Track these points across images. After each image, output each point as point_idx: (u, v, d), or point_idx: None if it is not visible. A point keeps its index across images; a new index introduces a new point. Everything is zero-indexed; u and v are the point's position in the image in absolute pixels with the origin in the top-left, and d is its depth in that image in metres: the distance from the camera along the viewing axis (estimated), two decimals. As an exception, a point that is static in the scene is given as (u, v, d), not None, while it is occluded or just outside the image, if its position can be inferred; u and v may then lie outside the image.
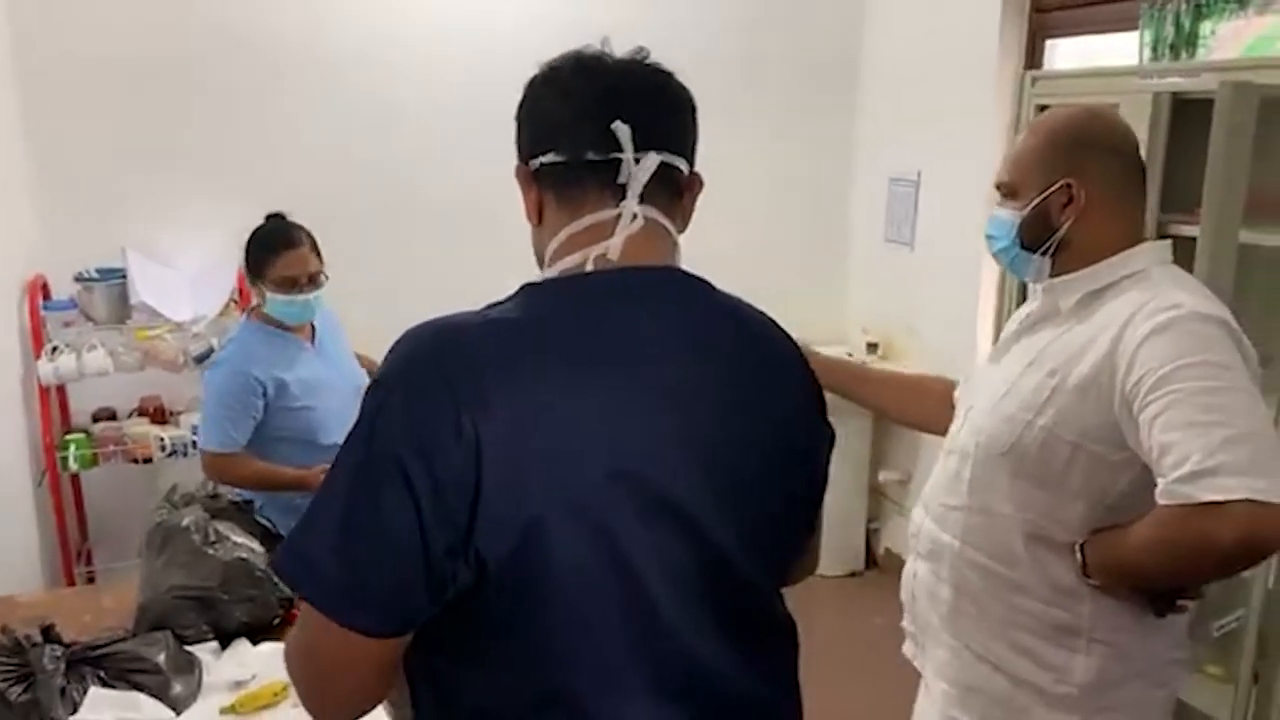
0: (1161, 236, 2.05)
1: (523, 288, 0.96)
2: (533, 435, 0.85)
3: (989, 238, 1.51)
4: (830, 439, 1.09)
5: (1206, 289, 1.37)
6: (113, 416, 3.05)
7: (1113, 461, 1.30)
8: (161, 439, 2.92)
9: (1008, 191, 1.47)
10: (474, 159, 3.16)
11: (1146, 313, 1.27)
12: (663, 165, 0.96)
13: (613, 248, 0.95)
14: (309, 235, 2.25)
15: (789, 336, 1.08)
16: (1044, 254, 1.43)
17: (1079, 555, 1.33)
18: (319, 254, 2.25)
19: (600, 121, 0.94)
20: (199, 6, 3.05)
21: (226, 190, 3.14)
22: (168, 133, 3.08)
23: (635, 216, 0.95)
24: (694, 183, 1.03)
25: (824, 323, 3.94)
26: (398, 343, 0.90)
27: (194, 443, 2.89)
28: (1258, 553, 1.13)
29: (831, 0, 3.76)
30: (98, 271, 2.94)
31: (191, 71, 3.07)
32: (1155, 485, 1.19)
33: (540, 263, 1.01)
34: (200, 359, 2.87)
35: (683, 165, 0.99)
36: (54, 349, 2.75)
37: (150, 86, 3.04)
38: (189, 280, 3.04)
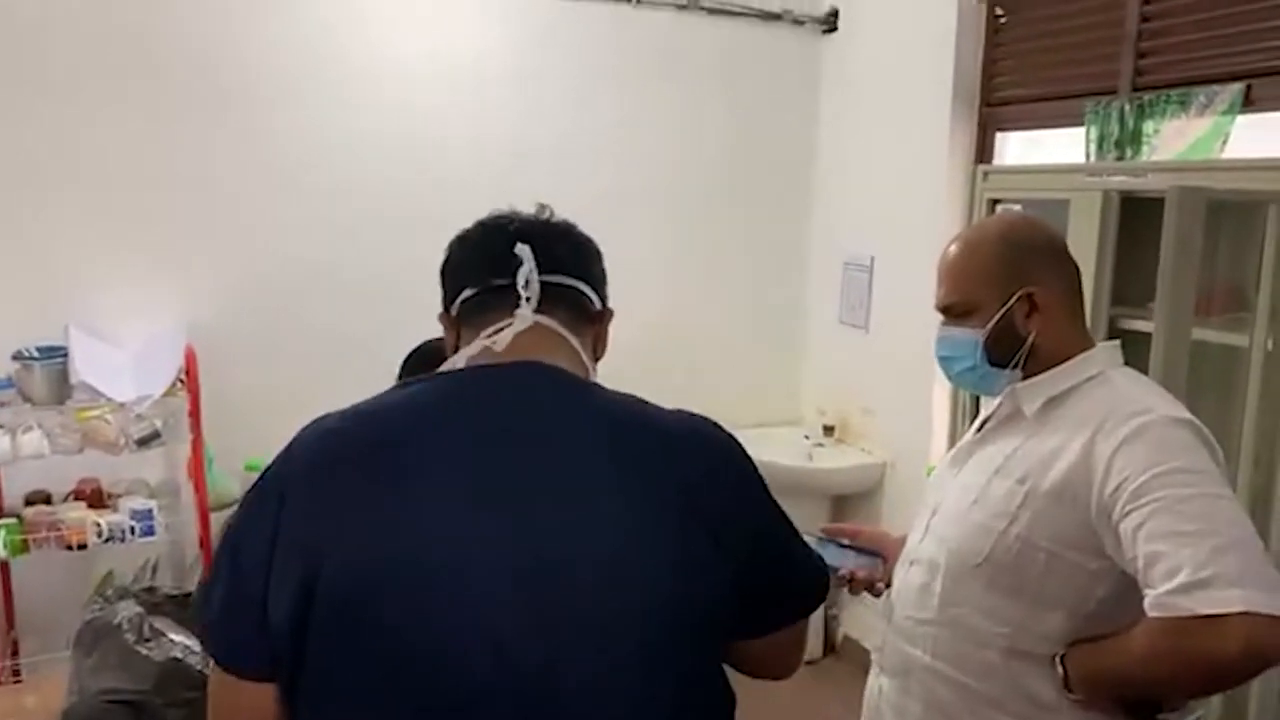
0: (1114, 331, 2.09)
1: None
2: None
3: (945, 359, 1.48)
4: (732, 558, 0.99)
5: (1163, 390, 1.39)
6: (47, 500, 2.93)
7: (1090, 570, 1.28)
8: (98, 524, 2.80)
9: (960, 312, 1.44)
10: (423, 233, 3.17)
11: (1118, 418, 1.27)
12: (568, 288, 1.06)
13: (499, 340, 1.02)
14: None
15: (719, 441, 1.07)
16: (1014, 367, 1.42)
17: (1060, 668, 1.30)
18: None
19: (505, 251, 1.05)
20: (130, 85, 3.02)
21: (174, 266, 3.08)
22: (113, 208, 3.02)
23: (527, 321, 1.04)
24: (604, 314, 1.12)
25: (781, 404, 3.95)
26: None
27: (133, 528, 2.79)
28: (1258, 666, 1.12)
29: (789, 93, 3.83)
30: (38, 350, 2.84)
31: (135, 147, 3.02)
32: (1135, 593, 1.18)
33: None
34: (143, 441, 2.78)
35: (588, 292, 1.09)
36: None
37: (94, 161, 2.99)
38: (134, 359, 2.95)
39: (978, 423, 1.55)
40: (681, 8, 3.56)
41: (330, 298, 3.25)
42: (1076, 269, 1.46)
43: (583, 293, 1.08)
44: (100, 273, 3.03)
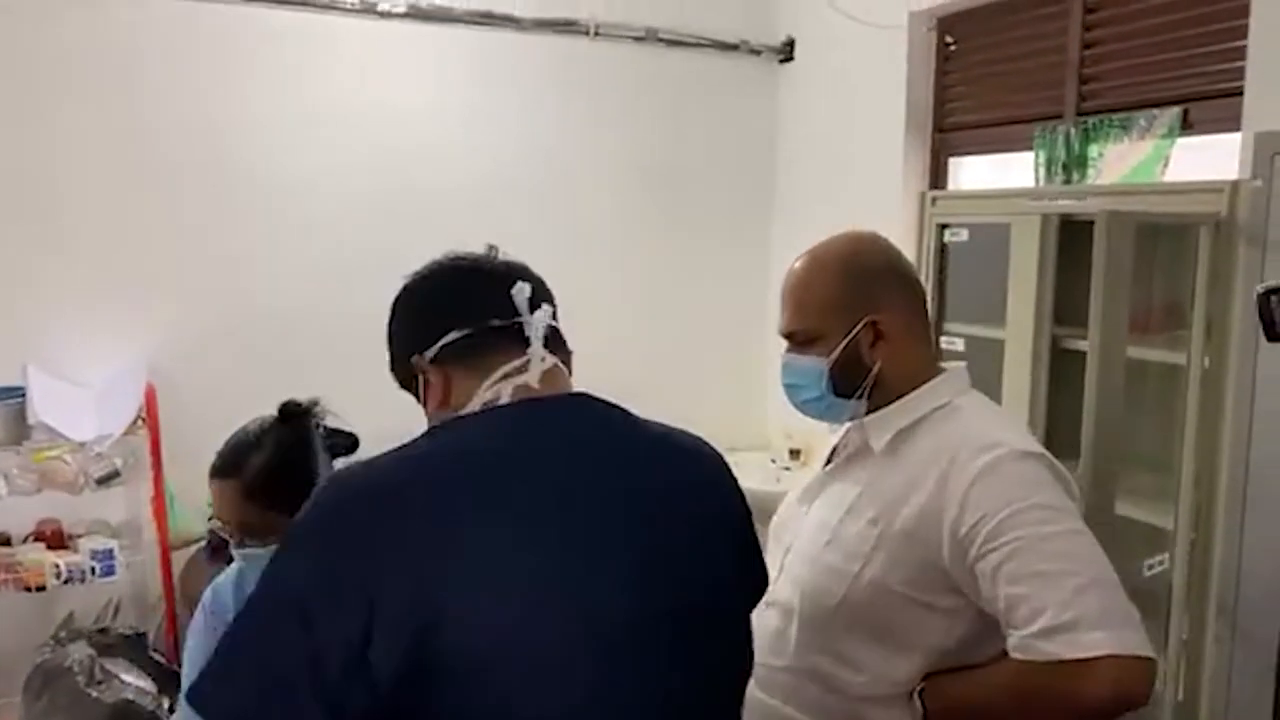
0: (1056, 350, 2.12)
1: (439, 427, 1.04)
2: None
3: (791, 388, 1.43)
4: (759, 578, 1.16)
5: (1012, 418, 1.41)
6: (7, 541, 2.91)
7: (947, 610, 1.25)
8: (57, 565, 2.78)
9: (804, 339, 1.39)
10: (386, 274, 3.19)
11: (968, 453, 1.24)
12: (554, 327, 1.07)
13: (531, 376, 1.03)
14: (270, 470, 1.56)
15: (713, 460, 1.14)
16: (859, 397, 1.37)
17: (919, 703, 1.27)
18: (275, 503, 1.50)
19: (499, 291, 1.04)
20: (87, 119, 3.03)
21: (135, 304, 3.09)
22: (73, 245, 3.02)
23: (544, 358, 1.04)
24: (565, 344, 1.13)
25: (746, 428, 3.96)
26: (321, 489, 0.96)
27: (94, 568, 2.77)
28: (1125, 706, 1.11)
29: (747, 121, 3.89)
30: (-2, 390, 2.84)
31: (97, 184, 3.04)
32: (994, 633, 1.18)
33: None
34: (103, 480, 2.77)
35: (560, 330, 1.10)
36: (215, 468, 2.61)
37: (53, 198, 2.99)
38: (94, 398, 2.95)
39: (824, 455, 1.51)
40: (639, 39, 3.61)
41: (292, 337, 3.25)
42: (921, 290, 1.43)
43: (558, 330, 1.09)
44: (60, 311, 3.02)
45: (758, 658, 1.35)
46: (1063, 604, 1.11)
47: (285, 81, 3.20)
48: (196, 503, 3.04)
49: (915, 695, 1.27)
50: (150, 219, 3.09)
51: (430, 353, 1.04)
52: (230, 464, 1.57)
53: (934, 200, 2.60)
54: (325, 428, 1.66)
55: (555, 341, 1.08)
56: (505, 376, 1.02)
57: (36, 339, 2.99)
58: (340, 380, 3.18)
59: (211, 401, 3.14)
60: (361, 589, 0.85)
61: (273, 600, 0.90)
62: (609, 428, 1.05)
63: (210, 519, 1.53)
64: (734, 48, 3.78)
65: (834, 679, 1.32)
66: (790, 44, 3.82)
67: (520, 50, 3.48)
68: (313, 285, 3.29)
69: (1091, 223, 1.98)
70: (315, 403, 1.65)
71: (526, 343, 1.03)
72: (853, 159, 3.52)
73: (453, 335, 1.03)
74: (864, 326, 1.34)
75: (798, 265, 1.44)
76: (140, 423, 2.90)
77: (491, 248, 1.12)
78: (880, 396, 1.37)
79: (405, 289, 1.12)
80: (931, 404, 1.34)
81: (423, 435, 1.01)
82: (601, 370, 1.31)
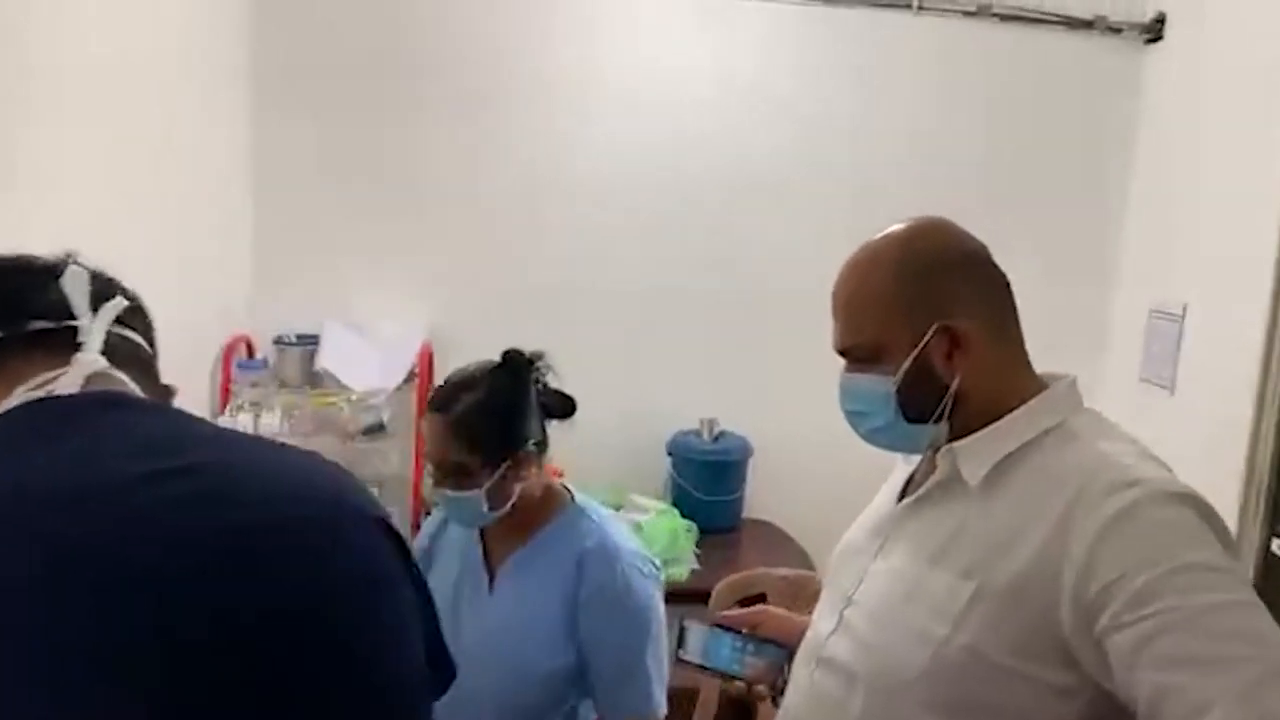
0: None
1: None
2: None
3: (853, 415, 1.16)
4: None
5: (1142, 444, 1.05)
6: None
7: (1056, 688, 0.97)
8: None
9: (863, 355, 1.13)
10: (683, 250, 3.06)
11: (1096, 492, 0.96)
12: (131, 342, 0.85)
13: (64, 385, 0.76)
14: (480, 410, 1.52)
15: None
16: (937, 421, 1.10)
17: None
18: (479, 445, 1.51)
19: (43, 289, 0.81)
20: (423, 90, 3.14)
21: (423, 266, 3.21)
22: (380, 211, 3.17)
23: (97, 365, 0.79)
24: (170, 390, 0.89)
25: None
26: None
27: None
28: None
29: (1098, 113, 3.32)
30: (296, 336, 3.04)
31: (420, 164, 3.16)
32: (1119, 717, 0.93)
33: None
34: (368, 431, 2.87)
35: (150, 354, 0.87)
36: (238, 406, 2.84)
37: (371, 175, 3.15)
38: (375, 353, 3.07)
39: (898, 481, 1.22)
40: (969, 14, 3.19)
41: (566, 314, 3.23)
42: (1007, 284, 1.15)
43: (140, 346, 0.87)
44: (360, 269, 3.20)
45: None
46: (1238, 697, 0.82)
47: (592, 54, 3.16)
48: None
49: None
50: (445, 187, 3.18)
51: None
52: (444, 399, 1.54)
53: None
54: (544, 385, 1.61)
55: (138, 367, 0.84)
56: (41, 386, 0.76)
57: (339, 293, 3.18)
58: (606, 360, 3.16)
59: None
60: None
61: None
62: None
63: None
64: (1087, 25, 3.23)
65: None
66: (1160, 20, 3.21)
67: (838, 25, 3.19)
68: (592, 265, 3.24)
69: None
70: (540, 355, 1.61)
71: (76, 349, 0.80)
72: (1231, 159, 2.88)
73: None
74: (936, 334, 1.08)
75: (847, 263, 1.17)
76: (413, 377, 2.98)
77: (70, 254, 0.87)
78: (964, 420, 1.10)
79: None
80: (1039, 426, 1.07)
81: None
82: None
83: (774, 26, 3.19)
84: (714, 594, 1.39)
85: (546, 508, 1.63)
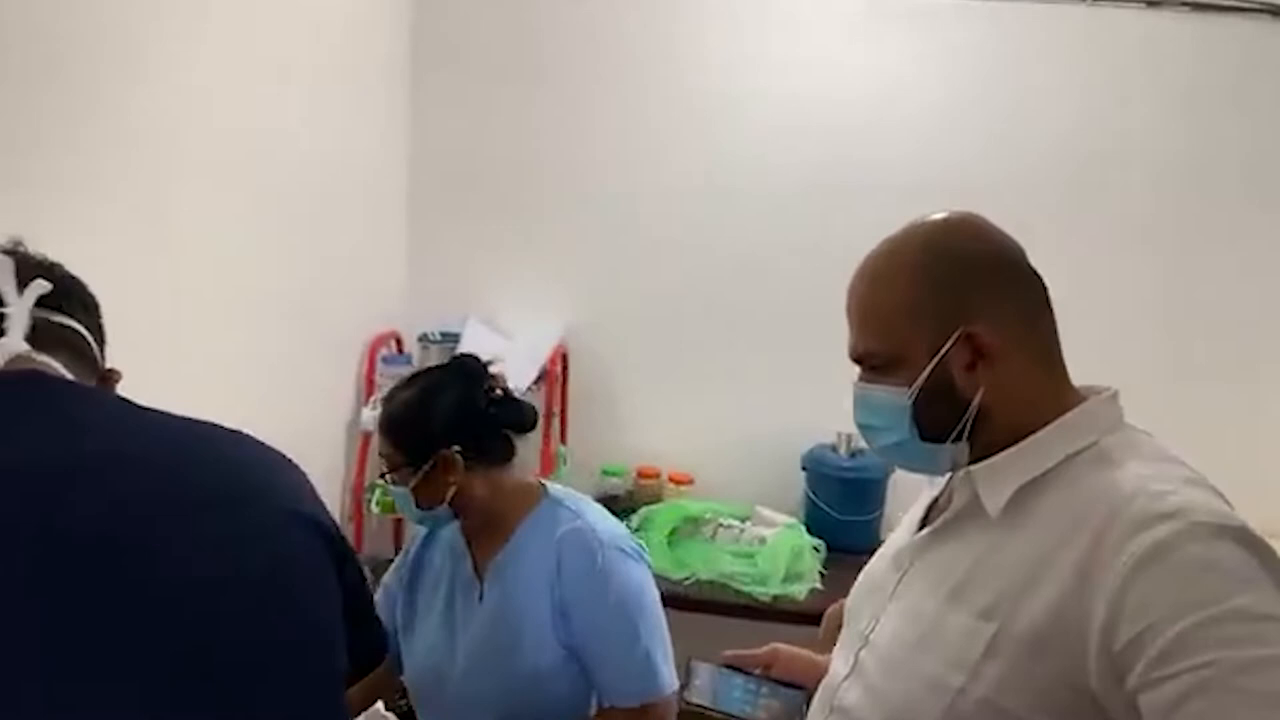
0: None
1: None
2: None
3: (866, 429, 1.07)
4: None
5: (1189, 467, 0.92)
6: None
7: None
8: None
9: (878, 364, 1.03)
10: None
11: (1129, 524, 0.84)
12: (63, 326, 0.88)
13: None
14: (406, 410, 1.56)
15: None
16: (956, 439, 1.00)
17: None
18: (401, 444, 1.56)
19: None
20: (596, 122, 3.18)
21: (562, 269, 3.25)
22: (528, 222, 3.24)
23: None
24: (112, 375, 0.93)
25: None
26: None
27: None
28: None
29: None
30: (441, 334, 3.15)
31: (572, 166, 3.20)
32: None
33: None
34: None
35: (87, 338, 0.90)
36: (380, 399, 2.95)
37: (521, 175, 3.22)
38: (513, 352, 3.13)
39: (921, 506, 1.12)
40: (1151, 4, 2.90)
41: (702, 323, 3.18)
42: (1043, 287, 1.02)
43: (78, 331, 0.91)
44: (502, 270, 3.28)
45: None
46: None
47: (749, 65, 3.09)
48: (589, 465, 3.13)
49: None
50: (585, 187, 3.21)
51: None
52: (389, 394, 1.62)
53: None
54: (498, 394, 1.60)
55: (67, 351, 0.87)
56: None
57: (481, 292, 3.27)
58: (742, 370, 3.08)
59: (611, 373, 3.21)
60: None
61: None
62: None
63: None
64: (1288, 11, 2.87)
65: None
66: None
67: (1010, 17, 2.97)
68: (736, 276, 3.16)
69: None
70: (491, 362, 1.62)
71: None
72: None
73: None
74: (957, 342, 0.97)
75: (864, 261, 1.08)
76: (540, 380, 3.02)
77: (17, 243, 0.92)
78: (988, 440, 1.00)
79: None
80: (1068, 448, 0.96)
81: None
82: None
83: (926, 34, 3.01)
84: (824, 618, 1.32)
85: (520, 506, 1.61)
